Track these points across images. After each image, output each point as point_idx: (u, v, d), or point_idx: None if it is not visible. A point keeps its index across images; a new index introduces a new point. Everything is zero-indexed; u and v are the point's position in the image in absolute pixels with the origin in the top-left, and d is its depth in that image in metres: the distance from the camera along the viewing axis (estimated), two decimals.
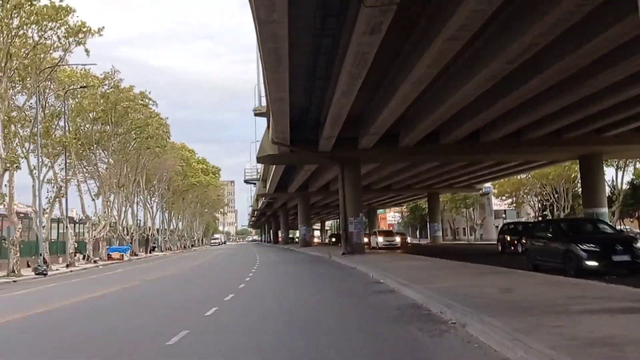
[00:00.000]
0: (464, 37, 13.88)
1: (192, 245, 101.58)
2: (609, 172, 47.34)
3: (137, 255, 51.83)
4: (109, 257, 42.12)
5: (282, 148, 26.31)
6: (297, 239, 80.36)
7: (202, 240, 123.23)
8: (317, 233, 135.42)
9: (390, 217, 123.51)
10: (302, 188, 49.77)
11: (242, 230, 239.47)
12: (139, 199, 59.20)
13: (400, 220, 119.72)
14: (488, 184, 62.27)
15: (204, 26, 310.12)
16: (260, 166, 53.15)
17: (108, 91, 38.66)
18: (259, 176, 56.20)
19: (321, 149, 26.68)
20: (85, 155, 40.97)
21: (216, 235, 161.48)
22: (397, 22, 13.69)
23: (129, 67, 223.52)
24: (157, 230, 71.81)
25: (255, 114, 24.14)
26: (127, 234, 51.87)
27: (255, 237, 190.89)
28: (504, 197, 65.46)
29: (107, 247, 44.08)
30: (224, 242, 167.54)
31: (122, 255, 43.67)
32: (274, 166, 38.55)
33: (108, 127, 40.37)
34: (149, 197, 65.02)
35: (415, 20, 14.96)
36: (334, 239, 57.96)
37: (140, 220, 62.63)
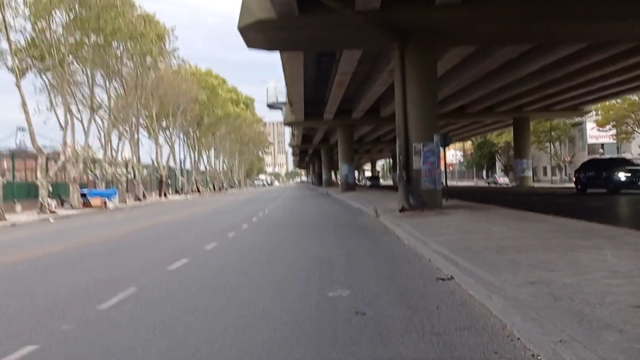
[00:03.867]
0: None
1: (231, 187, 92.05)
2: None
3: (141, 199, 41.50)
4: (85, 205, 31.63)
5: (280, 2, 13.50)
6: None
7: (244, 181, 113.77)
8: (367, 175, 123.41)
9: (450, 155, 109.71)
10: (341, 113, 37.22)
11: (292, 172, 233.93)
12: (145, 130, 48.51)
13: (462, 159, 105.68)
14: (591, 108, 47.16)
15: None
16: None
17: None
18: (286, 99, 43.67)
19: (361, 7, 13.81)
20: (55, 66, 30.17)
21: (261, 176, 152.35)
22: None
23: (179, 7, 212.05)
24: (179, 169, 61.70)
25: None
26: (126, 173, 41.58)
27: (304, 179, 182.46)
28: (606, 127, 50.72)
29: (86, 190, 33.72)
30: (270, 184, 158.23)
31: (105, 201, 33.06)
32: (289, 70, 25.26)
33: (80, 33, 29.20)
34: (167, 130, 54.35)
35: None
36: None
37: (149, 156, 52.39)
